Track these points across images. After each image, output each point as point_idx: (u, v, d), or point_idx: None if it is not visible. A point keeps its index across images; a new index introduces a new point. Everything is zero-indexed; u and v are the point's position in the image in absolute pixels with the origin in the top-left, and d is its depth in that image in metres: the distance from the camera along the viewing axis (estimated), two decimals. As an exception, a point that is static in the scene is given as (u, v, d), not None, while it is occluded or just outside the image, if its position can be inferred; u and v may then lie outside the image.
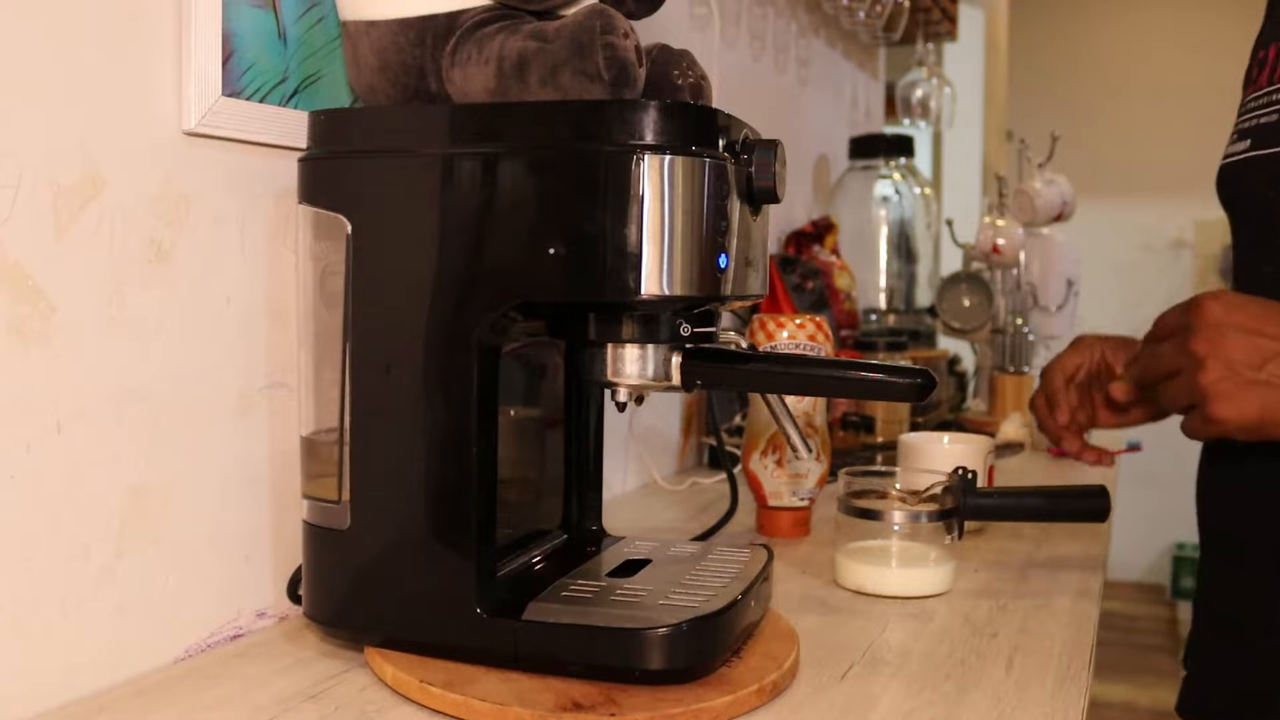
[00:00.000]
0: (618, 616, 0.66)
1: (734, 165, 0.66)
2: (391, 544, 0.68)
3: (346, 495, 0.69)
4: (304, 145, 0.71)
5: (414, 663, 0.67)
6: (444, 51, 0.69)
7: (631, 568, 0.76)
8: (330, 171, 0.69)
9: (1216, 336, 0.77)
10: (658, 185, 0.61)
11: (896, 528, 0.91)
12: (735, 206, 0.66)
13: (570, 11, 0.69)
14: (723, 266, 0.65)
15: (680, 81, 0.70)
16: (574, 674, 0.65)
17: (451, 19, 0.70)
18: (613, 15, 0.65)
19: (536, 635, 0.65)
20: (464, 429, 0.66)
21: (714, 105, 0.68)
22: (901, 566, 0.91)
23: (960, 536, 0.92)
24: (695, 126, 0.63)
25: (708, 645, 0.66)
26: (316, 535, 0.71)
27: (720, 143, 0.65)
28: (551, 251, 0.62)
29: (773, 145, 0.68)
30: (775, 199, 0.69)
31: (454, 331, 0.65)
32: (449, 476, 0.66)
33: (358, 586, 0.70)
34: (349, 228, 0.68)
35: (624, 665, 0.64)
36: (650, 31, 0.74)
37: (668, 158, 0.61)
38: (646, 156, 0.61)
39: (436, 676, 0.65)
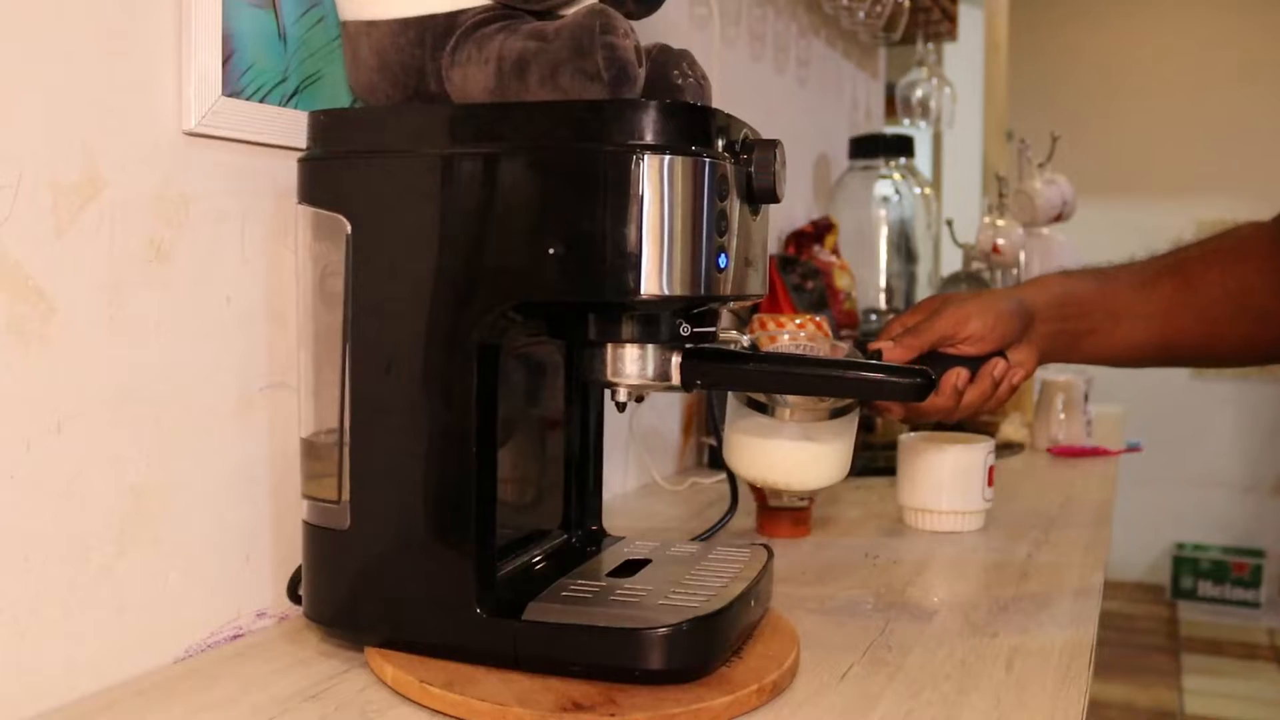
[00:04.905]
0: (618, 616, 0.66)
1: (734, 165, 0.66)
2: (391, 544, 0.68)
3: (346, 495, 0.69)
4: (304, 145, 0.71)
5: (414, 663, 0.67)
6: (444, 51, 0.69)
7: (631, 568, 0.76)
8: (330, 171, 0.69)
9: None
10: (657, 185, 0.61)
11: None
12: (735, 206, 0.66)
13: (570, 11, 0.69)
14: (722, 266, 0.65)
15: (680, 81, 0.70)
16: (574, 674, 0.65)
17: (451, 19, 0.70)
18: (612, 15, 0.65)
19: (536, 635, 0.65)
20: (464, 429, 0.66)
21: (714, 105, 0.68)
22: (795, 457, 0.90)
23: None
24: (695, 126, 0.63)
25: (708, 645, 0.66)
26: (316, 535, 0.71)
27: (720, 143, 0.65)
28: (551, 251, 0.62)
29: (773, 145, 0.68)
30: (775, 199, 0.69)
31: (454, 331, 0.65)
32: (449, 476, 0.66)
33: (358, 587, 0.70)
34: (348, 228, 0.68)
35: (624, 665, 0.64)
36: (650, 31, 0.74)
37: (667, 158, 0.61)
38: (646, 156, 0.61)
39: (436, 676, 0.65)
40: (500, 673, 0.66)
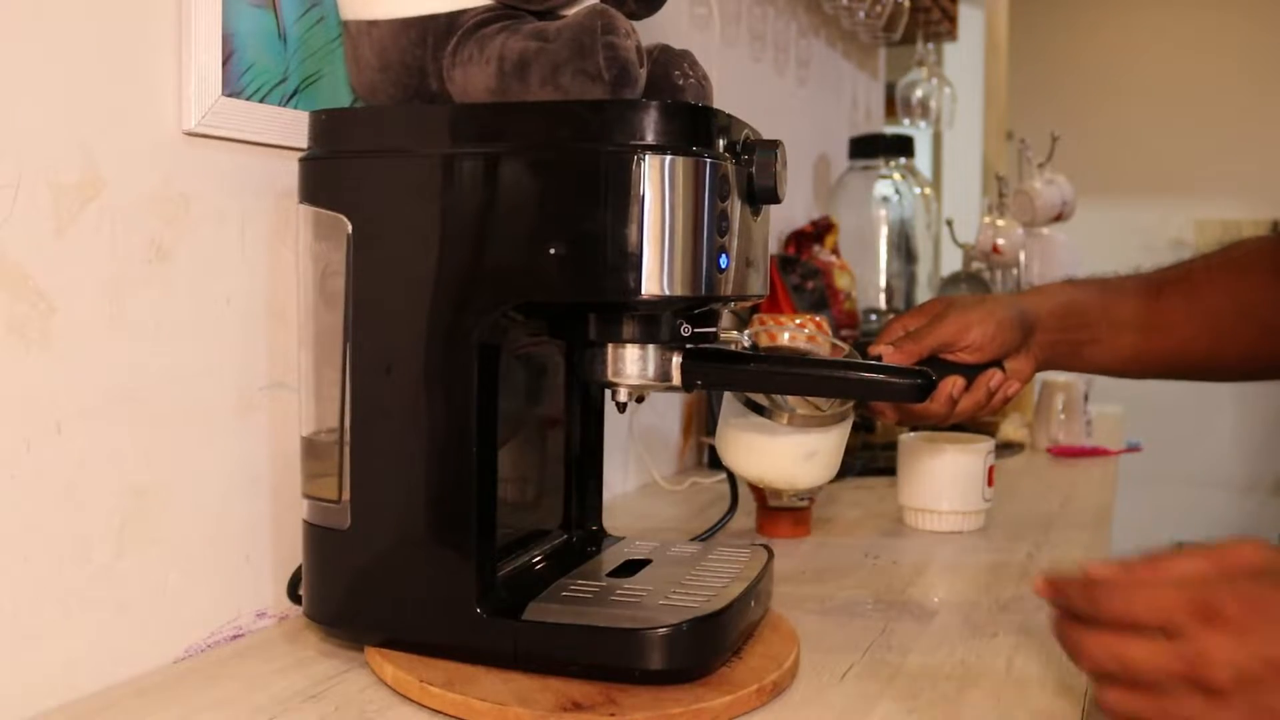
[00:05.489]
0: (618, 616, 0.66)
1: (735, 165, 0.66)
2: (391, 544, 0.68)
3: (346, 495, 0.69)
4: (304, 145, 0.71)
5: (414, 662, 0.67)
6: (445, 51, 0.69)
7: (631, 568, 0.76)
8: (330, 171, 0.69)
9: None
10: (658, 185, 0.61)
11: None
12: (736, 207, 0.66)
13: (571, 12, 0.69)
14: (723, 267, 0.65)
15: (681, 82, 0.70)
16: (574, 674, 0.65)
17: (452, 19, 0.70)
18: (613, 15, 0.65)
19: (536, 635, 0.65)
20: (464, 429, 0.66)
21: (714, 105, 0.68)
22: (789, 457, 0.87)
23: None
24: (696, 126, 0.63)
25: (708, 645, 0.66)
26: (316, 535, 0.71)
27: (721, 143, 0.65)
28: (552, 251, 0.62)
29: (774, 145, 0.68)
30: (776, 199, 0.69)
31: (454, 331, 0.65)
32: (449, 476, 0.66)
33: (358, 586, 0.70)
34: (349, 227, 0.68)
35: (624, 665, 0.64)
36: (650, 31, 0.73)
37: (668, 158, 0.61)
38: (647, 156, 0.61)
39: (436, 676, 0.65)
40: (500, 673, 0.66)
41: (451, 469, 0.66)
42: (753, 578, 0.73)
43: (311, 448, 0.72)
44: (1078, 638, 0.55)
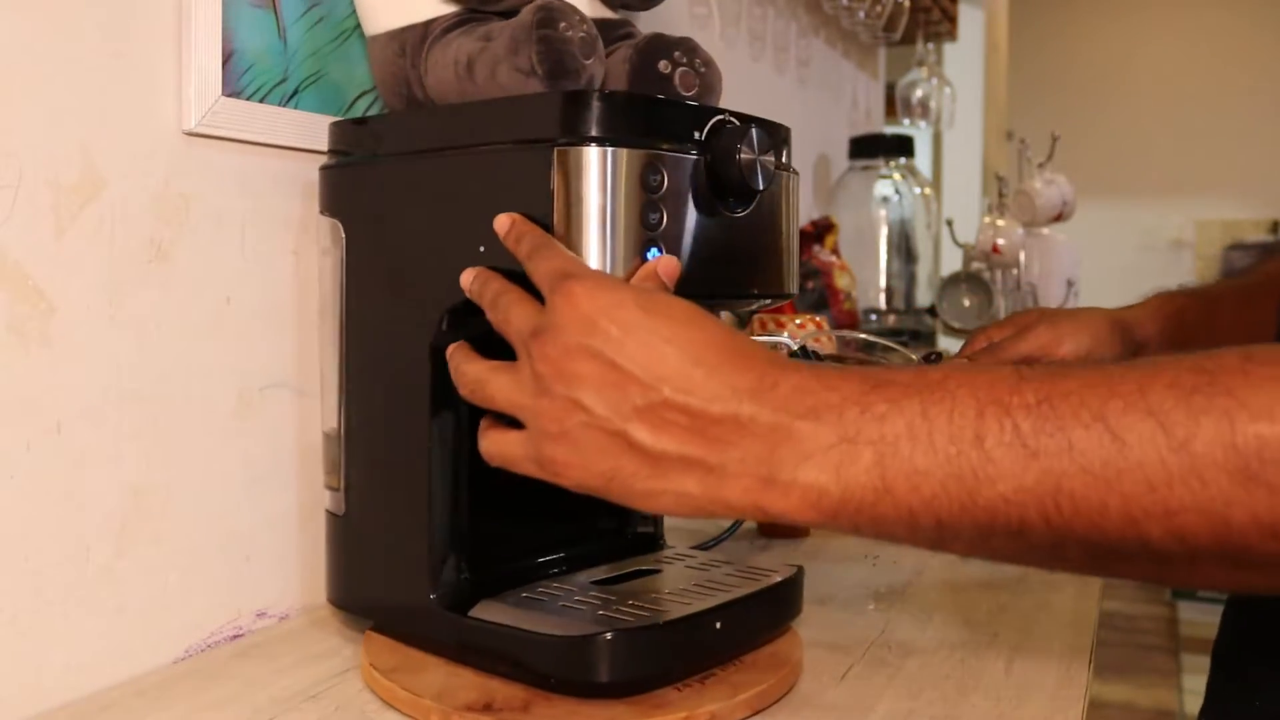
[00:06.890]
0: (545, 622, 0.64)
1: (689, 155, 0.62)
2: (372, 532, 0.71)
3: (343, 484, 0.72)
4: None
5: (383, 646, 0.69)
6: (420, 59, 0.71)
7: (631, 577, 0.75)
8: (330, 180, 0.73)
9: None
10: (565, 179, 0.59)
11: None
12: (685, 198, 0.61)
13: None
14: (647, 260, 0.60)
15: (668, 70, 0.67)
16: (506, 674, 0.64)
17: (425, 27, 0.71)
18: (556, 8, 0.64)
19: (477, 633, 0.65)
20: (421, 425, 0.67)
21: (718, 93, 0.67)
22: None
23: None
24: (617, 115, 0.60)
25: (632, 661, 0.62)
26: (329, 523, 0.75)
27: (665, 131, 0.61)
28: (481, 249, 0.61)
29: (739, 133, 0.62)
30: (748, 190, 0.63)
31: (407, 332, 0.67)
32: (415, 470, 0.68)
33: (352, 571, 0.73)
34: (343, 233, 0.70)
35: (541, 671, 0.63)
36: (650, 30, 0.73)
37: (572, 149, 0.58)
38: (555, 150, 0.58)
39: (386, 662, 0.66)
40: (451, 665, 0.66)
41: (416, 462, 0.68)
42: (728, 599, 0.68)
43: (328, 442, 0.75)
44: (508, 300, 0.56)
